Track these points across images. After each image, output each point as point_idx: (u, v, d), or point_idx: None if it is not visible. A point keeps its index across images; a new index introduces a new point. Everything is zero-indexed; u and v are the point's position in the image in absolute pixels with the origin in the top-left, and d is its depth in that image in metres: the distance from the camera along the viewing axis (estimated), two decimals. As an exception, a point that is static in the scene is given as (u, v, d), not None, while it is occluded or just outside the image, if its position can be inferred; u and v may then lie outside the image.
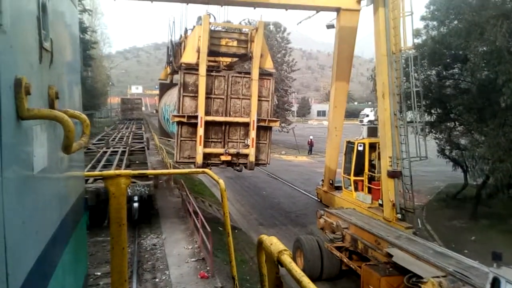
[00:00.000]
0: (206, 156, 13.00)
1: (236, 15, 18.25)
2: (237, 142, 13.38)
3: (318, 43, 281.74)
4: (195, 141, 12.81)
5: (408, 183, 14.08)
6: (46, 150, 1.63)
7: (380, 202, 15.20)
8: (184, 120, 12.74)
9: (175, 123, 13.08)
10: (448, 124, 19.85)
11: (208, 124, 12.84)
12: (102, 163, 15.29)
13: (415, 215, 14.99)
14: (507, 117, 14.53)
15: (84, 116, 1.83)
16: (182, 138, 13.02)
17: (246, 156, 13.25)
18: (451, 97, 18.28)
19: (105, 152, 18.31)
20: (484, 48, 14.36)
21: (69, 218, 2.06)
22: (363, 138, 17.23)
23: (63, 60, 2.11)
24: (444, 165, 21.41)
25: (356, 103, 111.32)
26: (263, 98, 13.38)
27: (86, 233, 3.20)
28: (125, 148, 19.66)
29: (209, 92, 12.81)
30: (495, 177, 14.49)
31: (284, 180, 27.14)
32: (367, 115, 69.12)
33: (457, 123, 19.80)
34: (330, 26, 18.77)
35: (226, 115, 13.12)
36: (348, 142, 17.83)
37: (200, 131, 12.61)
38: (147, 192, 12.38)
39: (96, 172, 5.59)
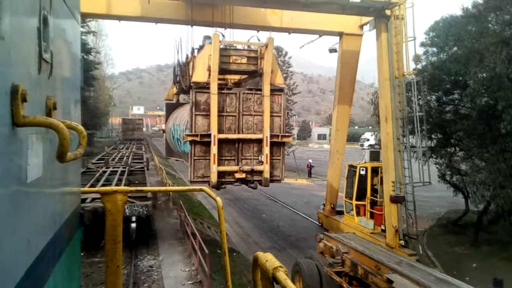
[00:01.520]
0: (220, 174, 12.90)
1: (240, 38, 18.54)
2: (251, 159, 13.25)
3: (319, 67, 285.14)
4: (209, 159, 12.72)
5: (411, 209, 13.92)
6: (41, 160, 1.61)
7: (382, 227, 14.98)
8: (197, 139, 12.67)
9: (187, 142, 13.04)
10: (449, 149, 19.86)
11: (221, 142, 12.77)
12: (101, 182, 15.21)
13: (416, 240, 14.79)
14: (507, 143, 14.54)
15: (81, 127, 1.82)
16: (195, 157, 12.90)
17: (260, 172, 13.14)
18: (451, 122, 18.36)
19: (105, 171, 18.24)
20: (484, 75, 14.48)
21: (63, 231, 2.02)
22: (365, 162, 17.12)
23: (63, 73, 2.11)
24: (445, 190, 21.31)
25: (356, 127, 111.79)
26: (275, 114, 13.32)
27: (81, 251, 3.13)
28: (125, 168, 19.59)
29: (221, 110, 12.79)
30: (496, 203, 14.40)
31: (284, 203, 26.96)
32: (368, 139, 69.35)
33: (457, 148, 19.81)
34: (332, 50, 19.02)
35: (238, 132, 13.06)
36: (350, 166, 17.72)
37: (214, 149, 12.53)
38: (145, 212, 12.24)
39: (93, 188, 5.54)
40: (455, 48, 17.46)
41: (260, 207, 25.70)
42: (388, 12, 14.26)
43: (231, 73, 15.05)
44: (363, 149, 58.76)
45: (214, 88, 12.48)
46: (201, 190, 3.50)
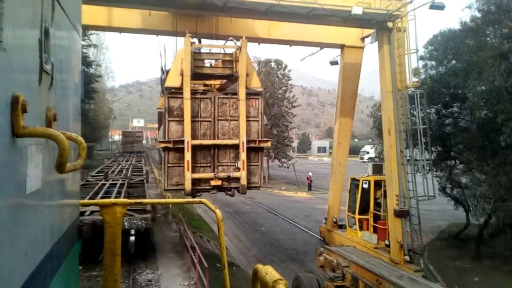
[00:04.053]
0: (195, 181, 12.52)
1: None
2: (228, 165, 12.88)
3: (318, 80, 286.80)
4: (183, 167, 12.34)
5: (416, 223, 13.81)
6: (40, 172, 1.61)
7: (386, 242, 14.82)
8: (170, 145, 12.34)
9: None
10: (449, 162, 19.83)
11: (195, 148, 12.44)
12: (101, 195, 15.15)
13: (421, 256, 14.66)
14: (507, 156, 14.52)
15: (80, 138, 1.81)
16: (169, 165, 12.59)
17: (237, 179, 12.74)
18: (451, 135, 18.36)
19: (104, 184, 18.20)
20: (483, 88, 14.54)
21: (61, 243, 2.00)
22: (368, 175, 16.95)
23: (63, 85, 2.11)
24: (446, 204, 21.22)
25: (356, 140, 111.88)
26: (252, 118, 12.98)
27: (79, 264, 3.10)
28: (124, 180, 19.54)
29: (195, 115, 12.49)
30: (497, 217, 14.31)
31: (284, 216, 26.82)
32: (368, 152, 69.39)
33: (457, 161, 19.78)
34: (333, 63, 19.11)
35: (214, 138, 12.72)
36: (353, 179, 17.58)
37: (188, 156, 12.15)
38: (144, 225, 12.17)
39: (92, 200, 5.53)
40: (453, 62, 17.58)
41: (260, 220, 25.56)
42: (390, 24, 14.38)
43: (208, 78, 14.68)
44: (363, 161, 58.80)
45: (187, 93, 12.17)
46: (201, 202, 3.48)
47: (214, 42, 14.61)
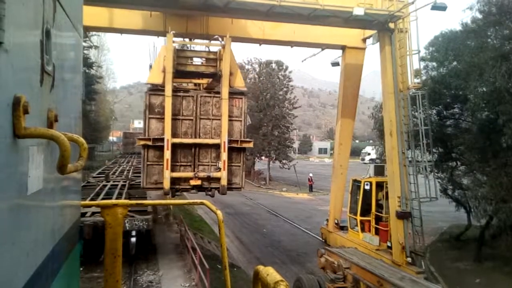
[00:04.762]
0: (175, 181, 12.36)
1: (243, 51, 18.61)
2: (209, 165, 12.65)
3: (319, 81, 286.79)
4: (162, 165, 12.17)
5: (418, 225, 13.77)
6: (41, 172, 1.61)
7: (388, 244, 14.78)
8: (150, 143, 12.17)
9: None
10: (450, 163, 19.80)
11: (176, 146, 12.25)
12: (101, 196, 15.15)
13: (423, 257, 14.62)
14: (508, 157, 14.50)
15: (81, 139, 1.81)
16: (148, 163, 12.42)
17: (218, 180, 12.51)
18: (452, 137, 18.34)
19: (105, 185, 18.20)
20: (484, 89, 14.53)
21: (63, 244, 2.00)
22: (369, 177, 16.92)
23: (64, 86, 2.12)
24: (447, 205, 21.18)
25: (357, 141, 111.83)
26: (234, 118, 12.75)
27: (80, 265, 3.10)
28: (125, 182, 19.54)
29: (177, 113, 12.30)
30: (498, 218, 14.28)
31: (285, 218, 26.80)
32: (369, 153, 69.35)
33: (458, 163, 19.75)
34: (335, 64, 19.11)
35: (195, 137, 12.53)
36: (354, 180, 17.54)
37: (167, 154, 11.95)
38: (145, 226, 12.16)
39: (93, 202, 5.53)
40: (455, 63, 17.56)
41: (261, 221, 25.54)
42: (391, 25, 14.37)
43: (194, 77, 14.53)
44: (364, 163, 58.77)
45: (168, 90, 11.97)
46: (202, 203, 3.48)
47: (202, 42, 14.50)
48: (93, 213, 11.80)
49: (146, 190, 13.41)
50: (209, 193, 12.87)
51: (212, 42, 13.63)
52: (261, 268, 1.74)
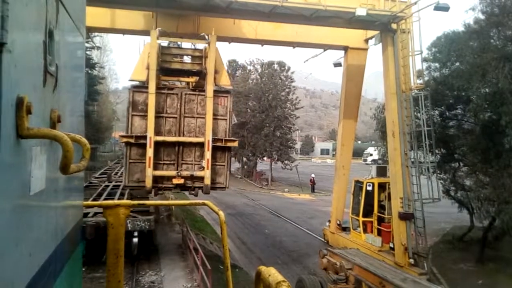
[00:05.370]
0: (157, 179, 12.25)
1: (244, 52, 18.61)
2: (192, 164, 12.52)
3: (321, 82, 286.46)
4: (145, 163, 12.08)
5: (421, 226, 13.73)
6: (44, 172, 1.61)
7: (391, 245, 14.74)
8: (132, 140, 12.08)
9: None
10: (452, 164, 19.73)
11: (159, 144, 12.16)
12: (104, 196, 15.20)
13: (425, 259, 14.58)
14: (511, 158, 14.44)
15: (84, 140, 1.82)
16: (131, 160, 12.30)
17: (202, 179, 12.39)
18: (454, 138, 18.29)
19: (107, 186, 18.25)
20: (487, 90, 14.50)
21: (65, 245, 2.01)
22: (372, 178, 16.87)
23: (67, 87, 2.12)
24: (450, 206, 21.12)
25: (359, 142, 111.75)
26: (219, 117, 12.62)
27: (82, 265, 3.11)
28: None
29: (160, 111, 12.22)
30: (501, 219, 14.23)
31: (287, 218, 26.77)
32: (371, 154, 69.26)
33: (461, 164, 19.68)
34: (337, 65, 19.09)
35: (179, 135, 12.40)
36: (357, 181, 17.50)
37: (150, 152, 11.84)
38: (147, 227, 12.19)
39: (95, 202, 5.54)
40: (457, 64, 17.51)
41: (263, 222, 25.52)
42: (394, 26, 14.35)
43: (180, 74, 14.39)
44: (367, 164, 58.68)
45: (152, 87, 11.86)
46: (204, 204, 3.48)
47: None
48: (95, 213, 11.85)
49: (128, 188, 13.34)
50: (193, 192, 12.76)
51: (198, 39, 13.43)
52: (263, 268, 1.74)
